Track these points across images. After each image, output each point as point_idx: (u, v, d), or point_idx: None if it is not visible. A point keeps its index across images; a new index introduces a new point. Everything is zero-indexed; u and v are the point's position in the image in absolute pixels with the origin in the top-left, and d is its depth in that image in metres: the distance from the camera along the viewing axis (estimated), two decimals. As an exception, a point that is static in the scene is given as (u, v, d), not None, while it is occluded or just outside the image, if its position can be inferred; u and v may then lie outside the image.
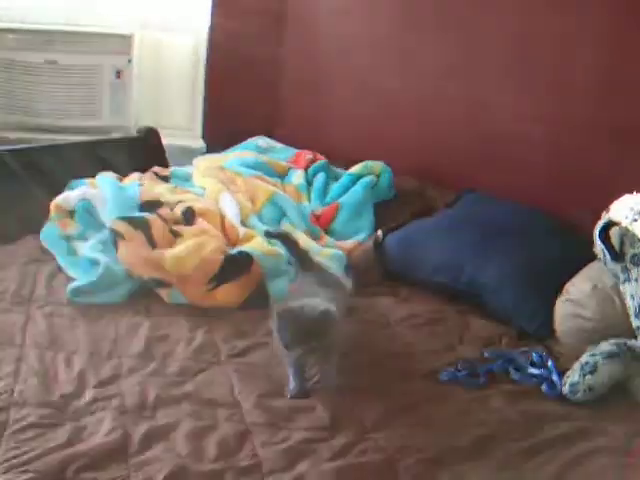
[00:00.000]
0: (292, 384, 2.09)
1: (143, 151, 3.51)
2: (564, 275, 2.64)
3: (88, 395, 1.99)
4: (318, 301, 2.00)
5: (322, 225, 3.07)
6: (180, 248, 2.60)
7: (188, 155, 3.69)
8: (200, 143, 3.97)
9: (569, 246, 2.83)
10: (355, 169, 3.30)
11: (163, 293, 2.52)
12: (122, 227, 2.66)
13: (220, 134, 3.82)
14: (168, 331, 2.37)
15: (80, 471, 1.67)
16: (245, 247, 2.66)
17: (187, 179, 3.24)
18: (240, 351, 2.30)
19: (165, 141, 3.71)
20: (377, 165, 3.30)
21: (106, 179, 2.97)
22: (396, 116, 3.58)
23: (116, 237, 2.64)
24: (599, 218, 2.46)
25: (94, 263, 2.60)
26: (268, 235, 2.65)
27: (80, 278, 2.53)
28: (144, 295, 2.57)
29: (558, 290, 2.61)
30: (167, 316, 2.46)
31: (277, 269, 2.65)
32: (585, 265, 2.59)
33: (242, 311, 2.54)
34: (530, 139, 3.11)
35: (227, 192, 3.01)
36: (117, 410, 1.93)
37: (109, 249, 2.65)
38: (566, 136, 3.02)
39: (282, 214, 3.04)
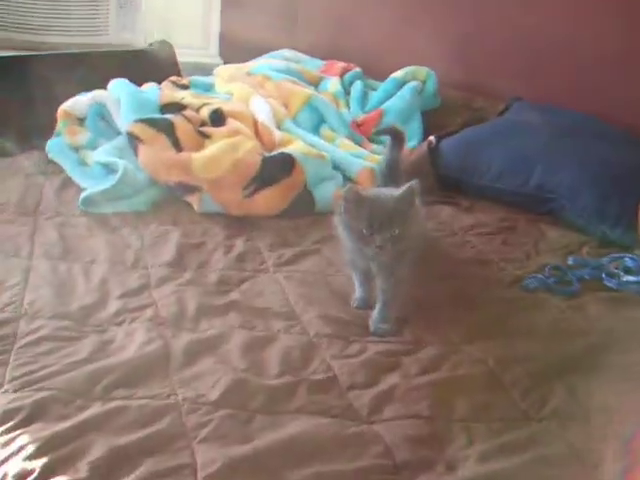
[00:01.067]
0: (359, 292, 1.68)
1: (156, 65, 3.07)
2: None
3: (113, 306, 1.59)
4: (392, 189, 1.58)
5: (365, 133, 2.65)
6: (211, 149, 2.17)
7: (204, 73, 3.23)
8: (217, 60, 3.51)
9: (631, 149, 2.43)
10: (398, 74, 2.85)
11: (193, 200, 2.10)
12: (142, 130, 2.23)
13: (238, 50, 3.35)
14: (202, 239, 1.96)
15: (111, 388, 1.28)
16: (286, 149, 2.24)
17: (209, 89, 2.81)
18: (289, 259, 1.89)
19: (179, 59, 3.26)
20: (422, 70, 2.86)
21: (121, 82, 2.53)
22: (433, 24, 3.13)
23: (135, 141, 2.22)
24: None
25: (109, 170, 2.18)
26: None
27: (93, 185, 2.11)
28: (170, 203, 2.15)
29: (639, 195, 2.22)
30: (199, 224, 2.05)
31: (322, 173, 2.23)
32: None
33: (284, 219, 2.12)
34: (576, 45, 2.67)
35: (258, 95, 2.57)
36: (151, 321, 1.53)
37: (127, 155, 2.22)
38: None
39: (320, 120, 2.61)
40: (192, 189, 2.11)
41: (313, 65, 3.09)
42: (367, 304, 1.66)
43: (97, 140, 2.38)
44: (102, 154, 2.23)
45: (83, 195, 2.08)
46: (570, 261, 2.02)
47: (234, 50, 3.46)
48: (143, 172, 2.16)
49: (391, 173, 1.83)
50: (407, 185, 1.52)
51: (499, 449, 1.23)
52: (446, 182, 2.45)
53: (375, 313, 1.60)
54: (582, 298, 1.82)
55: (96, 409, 1.21)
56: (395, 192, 1.54)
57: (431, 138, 2.55)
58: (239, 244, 1.95)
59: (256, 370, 1.37)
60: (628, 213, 2.21)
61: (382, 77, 2.97)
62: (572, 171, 2.31)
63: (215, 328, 1.52)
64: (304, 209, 2.15)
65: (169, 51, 3.16)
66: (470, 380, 1.42)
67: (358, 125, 2.68)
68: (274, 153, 2.21)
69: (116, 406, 1.22)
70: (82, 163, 2.32)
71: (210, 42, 3.64)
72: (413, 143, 2.61)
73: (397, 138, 1.91)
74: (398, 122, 2.66)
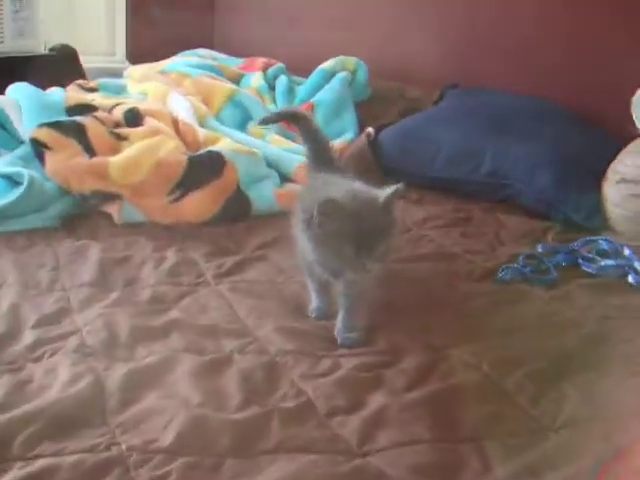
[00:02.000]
0: (316, 301, 1.43)
1: (58, 70, 2.74)
2: (597, 160, 2.09)
3: (28, 337, 1.28)
4: (365, 188, 1.32)
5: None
6: (129, 151, 1.89)
7: (113, 78, 2.92)
8: (124, 64, 3.19)
9: (590, 132, 2.28)
10: (326, 65, 2.61)
11: (112, 210, 1.81)
12: (48, 135, 1.93)
13: (147, 53, 3.05)
14: (126, 253, 1.67)
15: (34, 443, 0.98)
16: (213, 147, 1.97)
17: (120, 91, 2.51)
18: (231, 269, 1.62)
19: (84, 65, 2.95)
20: (351, 60, 2.63)
21: (20, 86, 2.21)
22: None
23: (40, 148, 1.91)
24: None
25: (12, 183, 1.85)
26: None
27: (-6, 202, 1.79)
28: (86, 215, 1.85)
29: (597, 175, 2.04)
30: (121, 236, 1.75)
31: (256, 171, 1.97)
32: (615, 153, 2.03)
33: (217, 225, 1.85)
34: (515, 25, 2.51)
35: (176, 92, 2.29)
36: (76, 352, 1.24)
37: (32, 165, 1.90)
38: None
39: (245, 116, 2.35)
40: (110, 197, 1.82)
41: (231, 63, 2.83)
42: (327, 314, 1.41)
43: (-3, 151, 2.06)
44: (3, 165, 1.90)
45: (-19, 212, 1.75)
46: (539, 249, 1.83)
47: (143, 54, 3.16)
48: (52, 182, 1.85)
49: (321, 158, 1.52)
50: (392, 189, 1.27)
51: (524, 471, 0.99)
52: (390, 174, 2.22)
53: (339, 322, 1.35)
54: (564, 287, 1.64)
55: (16, 473, 0.92)
56: (375, 196, 1.27)
57: (369, 130, 2.32)
58: (170, 256, 1.66)
59: (214, 403, 1.09)
60: (590, 194, 2.04)
61: (305, 74, 2.73)
62: (525, 154, 2.13)
63: (155, 354, 1.23)
64: (239, 213, 1.88)
65: (72, 55, 2.84)
66: (467, 390, 1.19)
67: (287, 121, 2.43)
68: (200, 152, 1.94)
69: (43, 466, 0.93)
70: (-22, 178, 1.98)
71: (116, 47, 3.33)
72: (349, 136, 2.38)
73: (298, 118, 1.60)
74: (330, 115, 2.44)
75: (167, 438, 0.99)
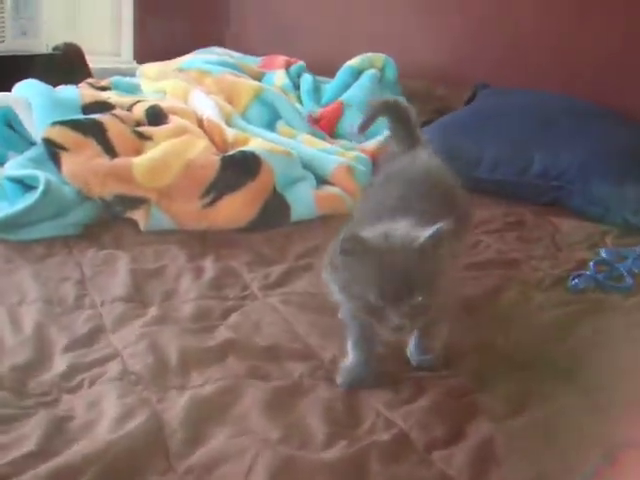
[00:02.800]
0: (354, 355, 1.10)
1: (64, 69, 2.56)
2: None
3: (61, 363, 1.09)
4: (410, 225, 1.03)
5: (326, 129, 2.22)
6: (155, 152, 1.70)
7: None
8: (131, 64, 3.01)
9: (630, 128, 2.11)
10: (354, 62, 2.43)
11: (138, 216, 1.63)
12: (63, 134, 1.74)
13: (156, 53, 2.86)
14: (159, 264, 1.48)
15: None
16: (245, 147, 1.78)
17: (134, 90, 2.32)
18: (278, 279, 1.44)
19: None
20: (379, 57, 2.45)
21: (30, 82, 2.01)
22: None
23: (55, 149, 1.72)
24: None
25: (25, 188, 1.66)
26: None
27: (6, 208, 1.60)
28: (108, 223, 1.66)
29: None
30: (150, 245, 1.57)
31: (292, 172, 1.80)
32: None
33: (254, 231, 1.67)
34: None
35: (198, 89, 2.11)
36: (121, 380, 1.05)
37: (46, 168, 1.71)
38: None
39: (274, 115, 2.17)
40: (136, 202, 1.64)
41: (249, 61, 2.64)
42: (363, 379, 1.07)
43: (4, 153, 1.86)
44: (12, 168, 1.71)
45: (-6, 218, 1.56)
46: (603, 254, 1.65)
47: (151, 55, 2.97)
48: (69, 186, 1.66)
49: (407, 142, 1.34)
50: (434, 229, 0.98)
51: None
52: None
53: (412, 344, 1.15)
54: (640, 294, 1.46)
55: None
56: (413, 237, 0.99)
57: (407, 127, 2.14)
58: (208, 266, 1.48)
59: (297, 439, 0.91)
60: (648, 194, 1.88)
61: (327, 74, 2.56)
62: (577, 154, 1.97)
63: (214, 381, 1.05)
64: (278, 217, 1.70)
65: (77, 54, 2.65)
66: (573, 413, 1.01)
67: (316, 121, 2.25)
68: (233, 152, 1.76)
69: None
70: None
71: (122, 47, 3.14)
72: (383, 136, 2.19)
73: (396, 110, 1.38)
74: (361, 114, 2.25)
75: (253, 487, 0.80)
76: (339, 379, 1.07)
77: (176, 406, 0.96)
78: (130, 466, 0.84)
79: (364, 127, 1.48)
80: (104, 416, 0.94)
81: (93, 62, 2.83)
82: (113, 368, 1.08)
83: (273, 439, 0.89)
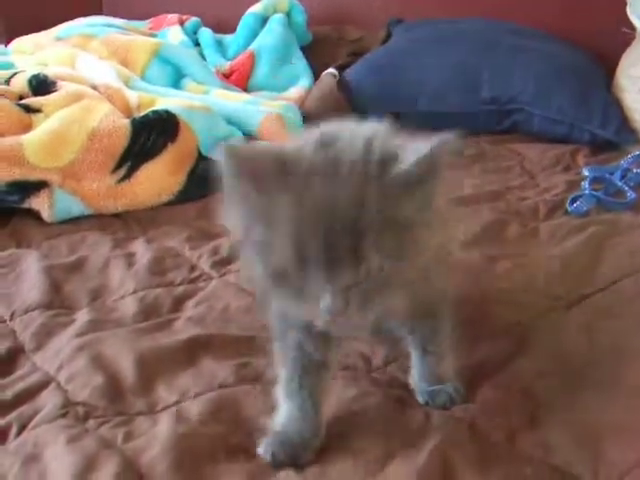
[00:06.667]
0: (283, 413, 0.70)
1: None
2: (598, 73, 1.81)
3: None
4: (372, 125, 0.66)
5: (238, 83, 1.90)
6: (49, 124, 1.35)
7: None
8: (-3, 46, 2.57)
9: (566, 47, 1.90)
10: (256, 8, 2.10)
11: (39, 204, 1.28)
12: None
13: (22, 31, 2.44)
14: (78, 255, 1.15)
15: None
16: (157, 107, 1.46)
17: (6, 67, 1.91)
18: (230, 252, 1.13)
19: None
20: (283, 1, 2.13)
21: None
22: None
23: None
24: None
25: None
26: None
27: None
28: (3, 219, 1.30)
29: (607, 87, 1.73)
30: (60, 238, 1.23)
31: (217, 130, 1.48)
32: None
33: (184, 204, 1.36)
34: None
35: (85, 54, 1.76)
36: (64, 416, 0.73)
37: None
38: None
39: (177, 74, 1.83)
40: (34, 188, 1.29)
41: (137, 25, 2.27)
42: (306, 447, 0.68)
43: None
44: None
45: None
46: (586, 172, 1.43)
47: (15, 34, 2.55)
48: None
49: None
50: (435, 141, 0.59)
51: None
52: (366, 115, 1.77)
53: (415, 372, 0.78)
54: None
55: None
56: (388, 145, 0.62)
57: (331, 70, 1.86)
58: (140, 250, 1.16)
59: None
60: (612, 107, 1.69)
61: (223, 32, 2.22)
62: (527, 74, 1.74)
63: (193, 395, 0.75)
64: (208, 184, 1.38)
65: None
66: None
67: (226, 76, 1.93)
68: (145, 112, 1.43)
69: None
70: None
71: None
72: (305, 82, 1.91)
73: None
74: (276, 61, 1.96)
75: None
76: (261, 448, 0.67)
77: (153, 443, 0.66)
78: None
79: None
80: (53, 478, 0.62)
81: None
82: (49, 400, 0.76)
83: None
